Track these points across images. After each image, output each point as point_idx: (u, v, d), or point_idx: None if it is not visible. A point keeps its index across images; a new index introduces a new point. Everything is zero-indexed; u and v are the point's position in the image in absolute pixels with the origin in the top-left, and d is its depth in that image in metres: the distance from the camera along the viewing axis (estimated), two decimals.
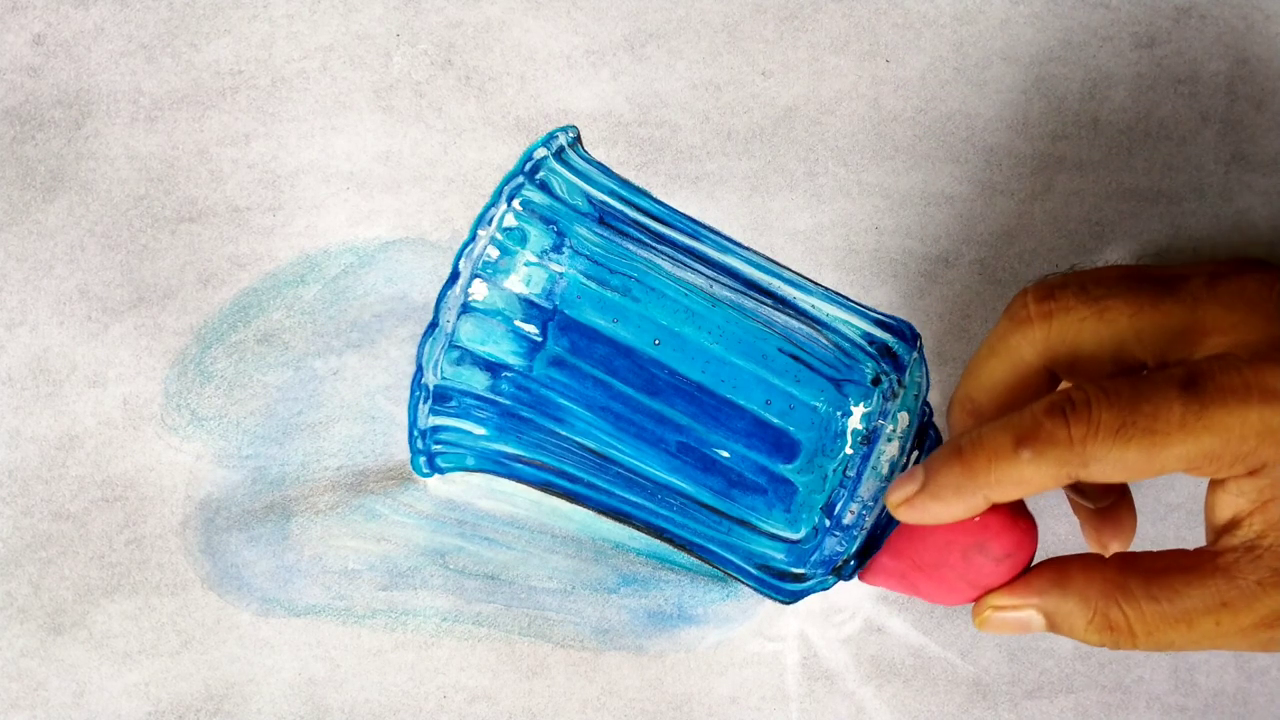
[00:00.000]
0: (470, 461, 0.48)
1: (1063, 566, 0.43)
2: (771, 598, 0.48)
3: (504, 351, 0.45)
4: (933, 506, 0.41)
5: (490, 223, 0.44)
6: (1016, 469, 0.40)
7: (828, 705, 0.52)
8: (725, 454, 0.46)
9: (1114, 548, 0.47)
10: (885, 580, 0.46)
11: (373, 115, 0.54)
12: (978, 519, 0.43)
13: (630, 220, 0.46)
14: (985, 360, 0.43)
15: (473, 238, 0.44)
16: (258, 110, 0.53)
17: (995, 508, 0.42)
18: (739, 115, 0.54)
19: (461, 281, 0.44)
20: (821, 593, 0.49)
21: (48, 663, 0.52)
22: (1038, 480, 0.40)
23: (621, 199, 0.46)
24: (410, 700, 0.52)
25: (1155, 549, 0.43)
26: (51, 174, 0.53)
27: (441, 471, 0.48)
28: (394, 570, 0.52)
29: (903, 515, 0.42)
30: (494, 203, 0.44)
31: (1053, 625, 0.42)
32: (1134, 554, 0.42)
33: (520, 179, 0.45)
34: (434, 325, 0.44)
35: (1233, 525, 0.41)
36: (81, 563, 0.52)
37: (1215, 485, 0.41)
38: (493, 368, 0.45)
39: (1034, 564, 0.44)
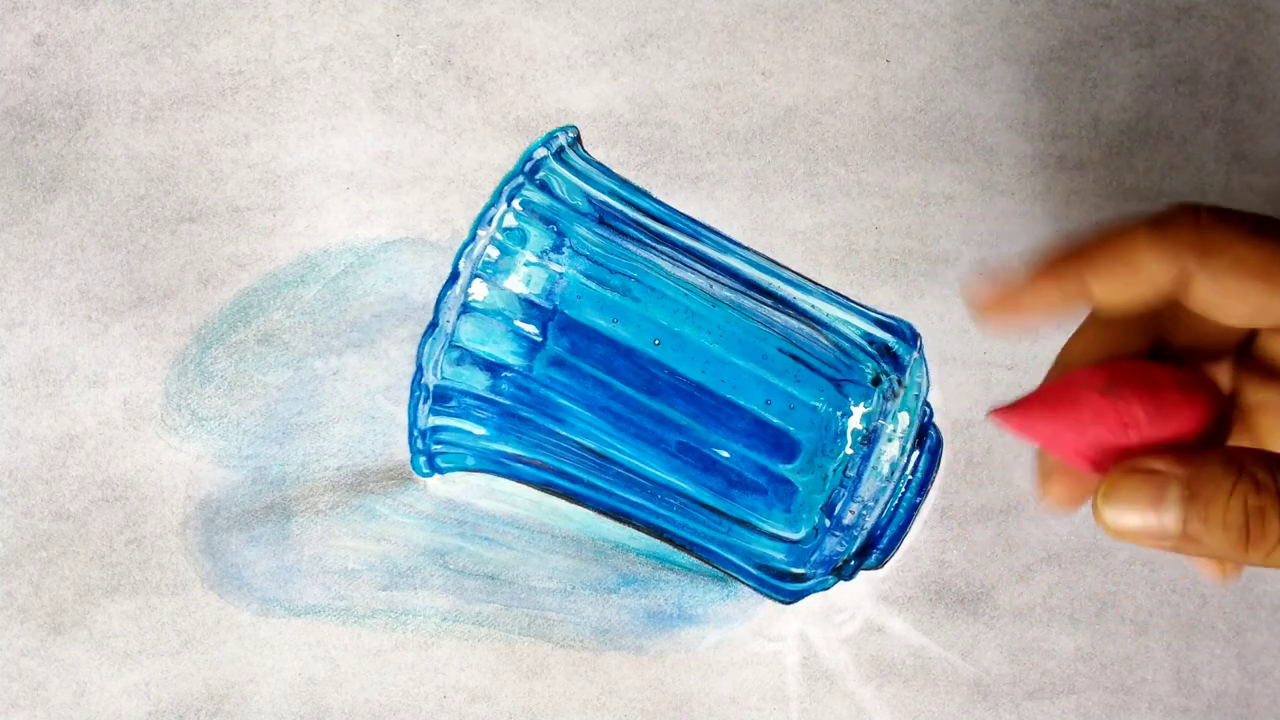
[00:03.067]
0: (470, 461, 0.48)
1: (1204, 452, 0.36)
2: (771, 598, 0.48)
3: (504, 351, 0.45)
4: (1027, 289, 0.37)
5: (490, 223, 0.44)
6: (1131, 243, 0.35)
7: (828, 705, 0.52)
8: (725, 454, 0.46)
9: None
10: (1029, 425, 0.38)
11: (373, 115, 0.54)
12: (1158, 383, 0.37)
13: (630, 220, 0.46)
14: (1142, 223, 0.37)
15: (473, 238, 0.44)
16: (258, 110, 0.54)
17: (1176, 379, 0.37)
18: (739, 115, 0.54)
19: (461, 281, 0.44)
20: (821, 593, 0.49)
21: (48, 662, 0.52)
22: (1149, 264, 0.35)
23: (621, 199, 0.46)
24: (410, 700, 0.52)
25: None
26: (52, 174, 0.53)
27: (441, 471, 0.48)
28: (394, 570, 0.52)
29: (992, 299, 0.37)
30: (494, 203, 0.44)
31: (1190, 501, 0.35)
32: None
33: (520, 179, 0.45)
34: (434, 325, 0.44)
35: None
36: (82, 563, 0.52)
37: None
38: (493, 368, 0.45)
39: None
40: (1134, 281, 0.36)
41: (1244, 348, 0.40)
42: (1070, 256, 0.36)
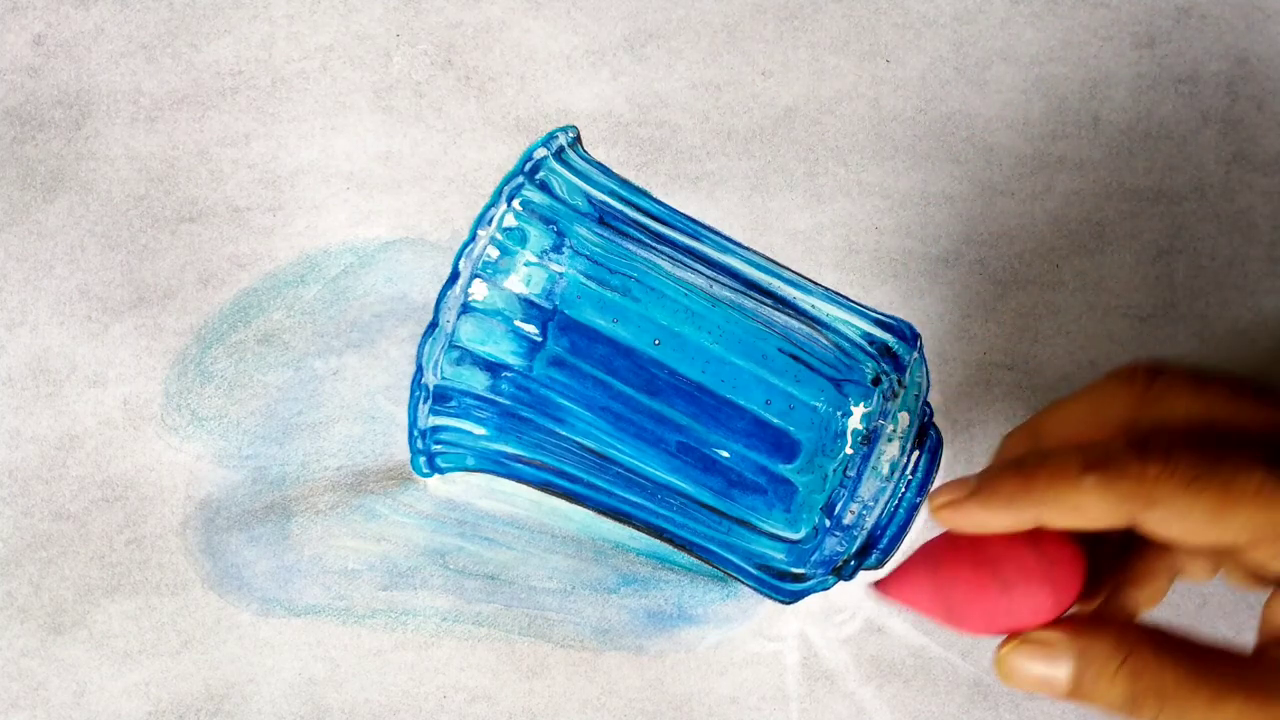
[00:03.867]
0: (470, 461, 0.48)
1: (1094, 622, 0.40)
2: (771, 598, 0.48)
3: (504, 351, 0.45)
4: (978, 513, 0.39)
5: (490, 223, 0.44)
6: (1078, 493, 0.38)
7: (828, 705, 0.52)
8: (725, 454, 0.46)
9: None
10: (913, 596, 0.42)
11: (373, 115, 0.54)
12: (1031, 547, 0.40)
13: (630, 220, 0.46)
14: (1071, 399, 0.41)
15: (473, 238, 0.44)
16: (258, 110, 0.54)
17: (1051, 542, 0.40)
18: (739, 115, 0.54)
19: (461, 281, 0.44)
20: (821, 593, 0.49)
21: (48, 662, 0.52)
22: (1096, 510, 0.38)
23: (621, 199, 0.46)
24: (410, 700, 0.52)
25: None
26: (52, 174, 0.53)
27: (441, 471, 0.48)
28: (394, 570, 0.52)
29: (944, 519, 0.40)
30: (494, 203, 0.44)
31: (1078, 675, 0.39)
32: (1176, 632, 0.40)
33: (520, 179, 0.45)
34: (434, 325, 0.44)
35: None
36: (82, 563, 0.52)
37: (1275, 593, 0.39)
38: (493, 368, 0.45)
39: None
40: (1082, 522, 0.38)
41: None
42: (1022, 489, 0.38)
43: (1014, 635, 0.40)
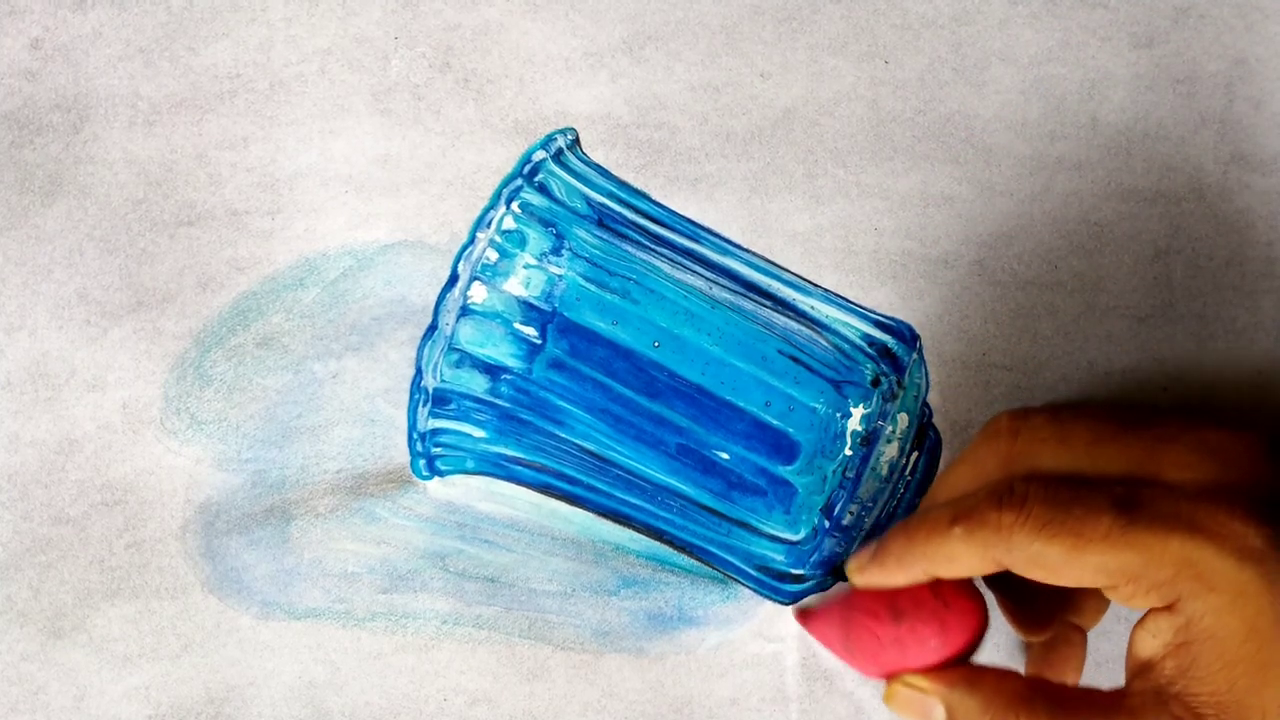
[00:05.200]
0: (470, 464, 0.48)
1: (976, 671, 0.44)
2: (771, 599, 0.48)
3: (503, 354, 0.45)
4: (877, 574, 0.43)
5: (489, 225, 0.44)
6: (949, 544, 0.41)
7: (828, 706, 0.52)
8: (725, 456, 0.46)
9: None
10: (821, 630, 0.47)
11: (371, 118, 0.53)
12: (930, 596, 0.44)
13: (629, 222, 0.46)
14: (955, 466, 0.44)
15: (471, 240, 0.44)
16: (256, 114, 0.53)
17: (953, 595, 0.43)
18: (738, 117, 0.54)
19: (461, 284, 0.44)
20: (821, 594, 0.49)
21: (48, 667, 0.52)
22: (966, 558, 0.41)
23: (620, 201, 0.46)
24: (411, 703, 0.52)
25: None
26: (50, 178, 0.53)
27: (441, 474, 0.48)
28: (394, 573, 0.52)
29: (856, 581, 0.44)
30: (493, 205, 0.44)
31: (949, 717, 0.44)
32: (1048, 680, 0.44)
33: (519, 181, 0.45)
34: (433, 328, 0.44)
35: (1147, 668, 0.41)
36: (81, 567, 0.52)
37: (1137, 626, 0.41)
38: (492, 370, 0.45)
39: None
40: (959, 570, 0.42)
41: None
42: (906, 547, 0.42)
43: (895, 671, 0.45)
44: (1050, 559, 0.40)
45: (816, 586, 0.48)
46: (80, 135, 0.53)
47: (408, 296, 0.53)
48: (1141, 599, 0.40)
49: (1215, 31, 0.54)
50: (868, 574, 0.43)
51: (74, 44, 0.54)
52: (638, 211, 0.46)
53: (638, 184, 0.53)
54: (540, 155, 0.45)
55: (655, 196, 0.52)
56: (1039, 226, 0.54)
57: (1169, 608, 0.40)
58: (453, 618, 0.52)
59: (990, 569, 0.41)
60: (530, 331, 0.45)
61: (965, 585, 0.44)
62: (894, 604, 0.44)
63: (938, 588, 0.44)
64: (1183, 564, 0.39)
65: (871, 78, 0.54)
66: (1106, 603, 0.47)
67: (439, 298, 0.44)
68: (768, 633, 0.52)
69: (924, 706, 0.44)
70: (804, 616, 0.47)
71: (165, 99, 0.53)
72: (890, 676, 0.45)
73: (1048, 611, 0.46)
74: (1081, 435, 0.42)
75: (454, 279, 0.44)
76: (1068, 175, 0.54)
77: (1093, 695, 0.42)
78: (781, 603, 0.48)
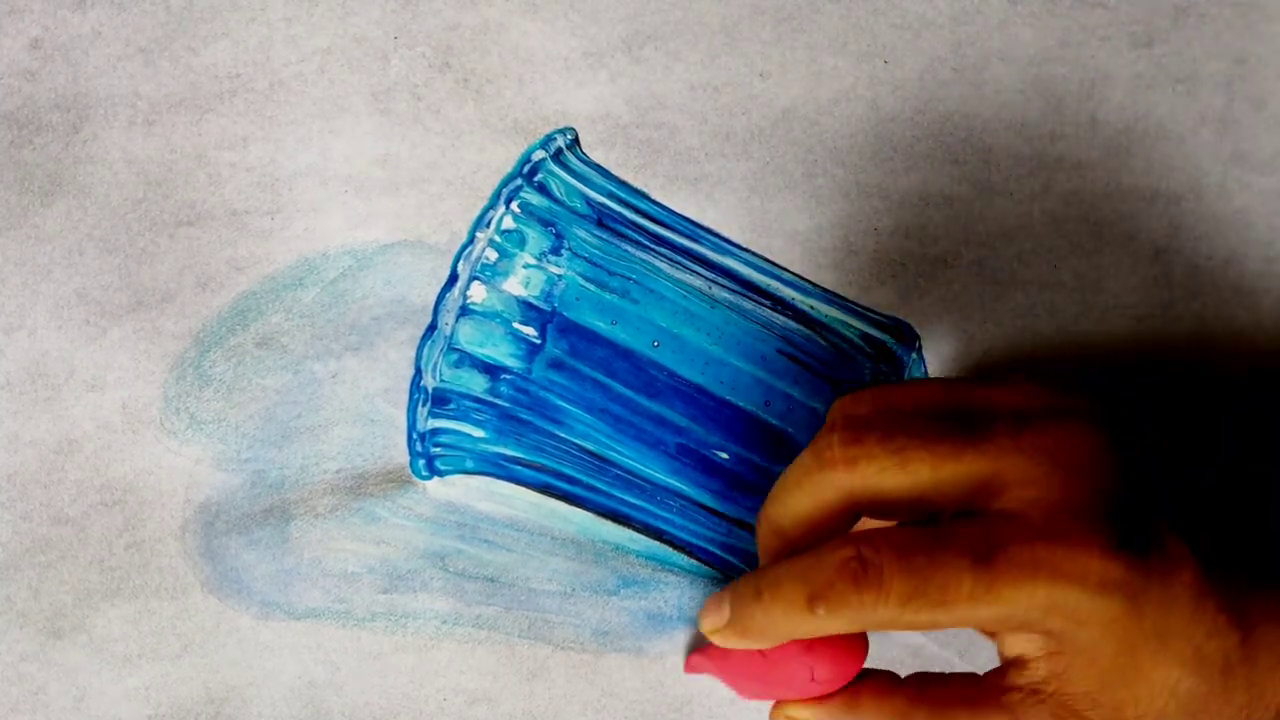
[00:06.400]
0: (469, 464, 0.48)
1: (856, 690, 0.44)
2: None
3: (503, 354, 0.45)
4: (737, 641, 0.42)
5: (488, 225, 0.44)
6: (812, 622, 0.40)
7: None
8: (724, 455, 0.46)
9: None
10: (706, 665, 0.48)
11: (371, 118, 0.53)
12: (802, 646, 0.44)
13: (629, 222, 0.46)
14: (791, 491, 0.42)
15: (471, 240, 0.44)
16: (256, 113, 0.53)
17: (825, 642, 0.43)
18: (737, 116, 0.54)
19: (460, 284, 0.44)
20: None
21: (48, 667, 0.52)
22: (832, 630, 0.40)
23: (620, 201, 0.46)
24: (410, 703, 0.52)
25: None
26: (49, 178, 0.53)
27: (441, 474, 0.48)
28: (394, 573, 0.52)
29: (716, 641, 0.43)
30: (492, 205, 0.44)
31: None
32: (927, 678, 0.43)
33: (518, 181, 0.45)
34: (433, 328, 0.44)
35: (1020, 663, 0.41)
36: (81, 567, 0.52)
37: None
38: (492, 370, 0.45)
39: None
40: (827, 634, 0.41)
41: None
42: (768, 623, 0.41)
43: (785, 703, 0.45)
44: (920, 623, 0.39)
45: None
46: (80, 135, 0.53)
47: (407, 296, 0.53)
48: (1012, 637, 0.41)
49: (1215, 31, 0.54)
50: (730, 640, 0.43)
51: (73, 44, 0.54)
52: (637, 211, 0.46)
53: (637, 184, 0.53)
54: (540, 155, 0.45)
55: (655, 196, 0.52)
56: (1038, 226, 0.54)
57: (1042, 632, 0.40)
58: (452, 617, 0.52)
59: (859, 630, 0.41)
60: (530, 331, 0.45)
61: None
62: (787, 649, 0.44)
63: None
64: (1049, 609, 0.39)
65: (871, 77, 0.54)
66: None
67: (438, 297, 0.44)
68: None
69: None
70: (691, 662, 0.49)
71: (165, 99, 0.53)
72: (774, 700, 0.45)
73: None
74: (923, 459, 0.40)
75: (453, 279, 0.44)
76: (1067, 175, 0.54)
77: (969, 690, 0.42)
78: None
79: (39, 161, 0.53)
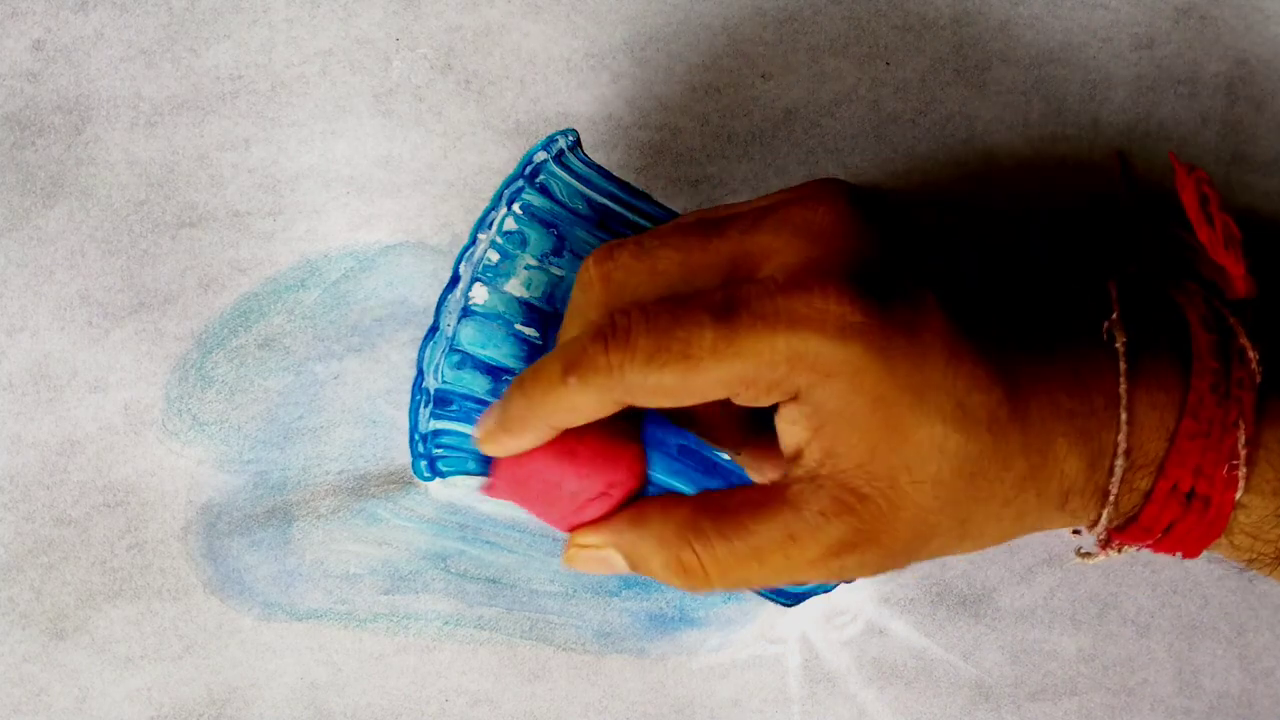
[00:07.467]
0: (471, 465, 0.48)
1: (642, 508, 0.43)
2: (773, 601, 0.48)
3: (505, 355, 0.45)
4: (506, 439, 0.42)
5: (490, 226, 0.44)
6: (567, 396, 0.40)
7: (830, 708, 0.52)
8: (724, 455, 0.46)
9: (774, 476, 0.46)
10: (510, 495, 0.45)
11: (372, 119, 0.54)
12: (573, 453, 0.42)
13: (630, 224, 0.46)
14: (564, 327, 0.43)
15: (473, 241, 0.44)
16: (258, 115, 0.54)
17: (590, 443, 0.42)
18: (739, 118, 0.54)
19: (462, 285, 0.44)
20: (823, 595, 0.49)
21: (50, 668, 0.52)
22: (587, 406, 0.40)
23: (622, 202, 0.46)
24: (412, 704, 0.52)
25: None
26: (52, 180, 0.53)
27: (443, 475, 0.48)
28: (395, 574, 0.52)
29: (487, 450, 0.42)
30: (494, 206, 0.44)
31: (634, 566, 0.43)
32: (712, 493, 0.42)
33: (520, 182, 0.45)
34: (435, 329, 0.44)
35: (797, 456, 0.40)
36: (83, 568, 0.52)
37: (776, 418, 0.41)
38: (494, 371, 0.45)
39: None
40: (585, 418, 0.41)
41: None
42: (527, 408, 0.41)
43: (579, 526, 0.43)
44: (667, 385, 0.39)
45: (818, 588, 0.48)
46: (82, 137, 0.53)
47: (409, 298, 0.53)
48: (765, 398, 0.40)
49: (1216, 32, 0.54)
50: (497, 441, 0.42)
51: (76, 45, 0.54)
52: (639, 212, 0.46)
53: (639, 185, 0.53)
54: (541, 156, 0.45)
55: (657, 197, 0.52)
56: (1040, 227, 0.54)
57: (795, 398, 0.39)
58: (454, 619, 0.52)
59: (613, 410, 0.40)
60: (531, 332, 0.45)
61: (612, 429, 0.43)
62: (558, 458, 0.43)
63: (585, 438, 0.42)
64: (793, 359, 0.38)
65: (873, 79, 0.54)
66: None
67: (440, 299, 0.44)
68: (769, 634, 0.52)
69: (603, 560, 0.43)
70: (490, 487, 0.45)
71: (167, 100, 0.54)
72: (574, 529, 0.44)
73: (733, 427, 0.45)
74: (671, 257, 0.41)
75: (455, 280, 0.44)
76: (1069, 176, 0.54)
77: (753, 494, 0.41)
78: (783, 605, 0.48)
79: (41, 163, 0.53)
